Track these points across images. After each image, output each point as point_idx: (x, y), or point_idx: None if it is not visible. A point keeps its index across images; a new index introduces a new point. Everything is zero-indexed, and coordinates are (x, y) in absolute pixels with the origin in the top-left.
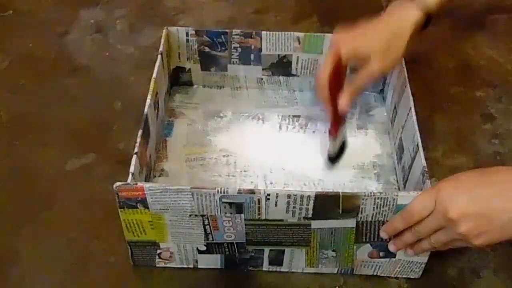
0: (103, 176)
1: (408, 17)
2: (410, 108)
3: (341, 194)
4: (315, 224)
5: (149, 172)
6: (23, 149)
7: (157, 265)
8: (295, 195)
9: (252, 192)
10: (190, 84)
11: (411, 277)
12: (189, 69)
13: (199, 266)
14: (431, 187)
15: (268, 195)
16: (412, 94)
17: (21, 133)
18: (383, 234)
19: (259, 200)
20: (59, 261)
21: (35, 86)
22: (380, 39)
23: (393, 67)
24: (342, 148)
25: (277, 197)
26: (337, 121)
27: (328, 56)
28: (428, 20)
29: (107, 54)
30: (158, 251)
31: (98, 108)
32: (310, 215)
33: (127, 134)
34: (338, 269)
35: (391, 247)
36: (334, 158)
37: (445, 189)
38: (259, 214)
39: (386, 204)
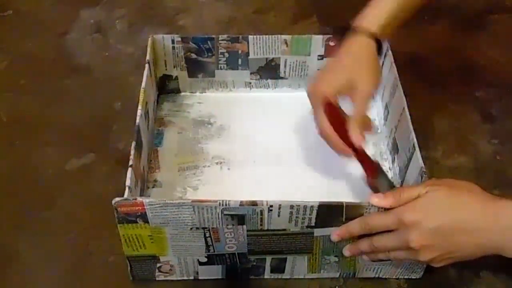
0: (103, 176)
1: (366, 43)
2: (404, 108)
3: (344, 204)
4: (318, 231)
5: (143, 183)
6: (23, 149)
7: (157, 279)
8: (298, 205)
9: (254, 204)
10: (177, 91)
11: (412, 277)
12: (176, 76)
13: (200, 277)
14: (397, 210)
15: (271, 206)
16: (412, 94)
17: (21, 133)
18: (334, 237)
19: (261, 212)
20: (59, 261)
21: (35, 86)
22: (355, 66)
23: (379, 81)
24: (390, 182)
25: (279, 208)
26: (366, 161)
27: (316, 107)
28: (380, 45)
29: (107, 54)
30: (158, 265)
31: (98, 108)
32: (313, 224)
33: (127, 134)
34: (340, 274)
35: (346, 252)
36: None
37: (409, 217)
38: (261, 225)
39: None
